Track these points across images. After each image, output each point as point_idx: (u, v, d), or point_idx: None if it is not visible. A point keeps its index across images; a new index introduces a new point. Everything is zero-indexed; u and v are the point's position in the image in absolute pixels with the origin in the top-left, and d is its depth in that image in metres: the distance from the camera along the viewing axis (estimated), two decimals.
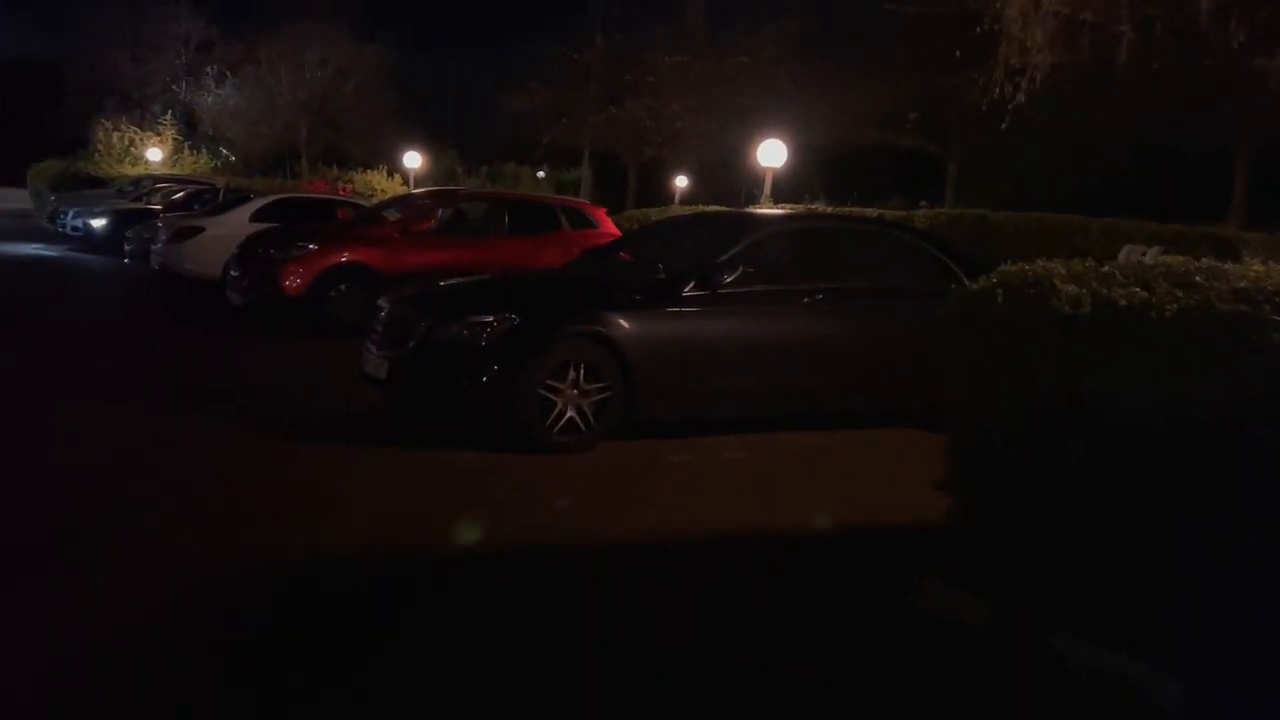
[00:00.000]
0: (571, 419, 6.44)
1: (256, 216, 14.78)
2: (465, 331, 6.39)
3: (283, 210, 14.96)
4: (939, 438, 7.64)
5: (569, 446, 6.44)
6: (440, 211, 11.92)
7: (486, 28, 42.43)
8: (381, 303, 7.05)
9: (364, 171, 26.47)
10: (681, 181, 41.05)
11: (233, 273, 11.85)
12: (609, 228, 13.03)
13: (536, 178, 46.99)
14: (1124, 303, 3.59)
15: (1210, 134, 18.26)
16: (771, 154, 14.35)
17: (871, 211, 14.60)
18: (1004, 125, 17.10)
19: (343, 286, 11.25)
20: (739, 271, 6.80)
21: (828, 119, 22.88)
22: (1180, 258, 4.17)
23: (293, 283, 11.12)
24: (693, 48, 25.82)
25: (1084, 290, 3.78)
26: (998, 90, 18.15)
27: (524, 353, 6.34)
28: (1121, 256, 8.43)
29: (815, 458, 6.84)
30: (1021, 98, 16.77)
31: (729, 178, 42.78)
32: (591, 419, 6.49)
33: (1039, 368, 3.86)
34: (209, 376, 8.86)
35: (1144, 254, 8.31)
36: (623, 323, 6.55)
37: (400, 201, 13.38)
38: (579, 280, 7.25)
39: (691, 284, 6.81)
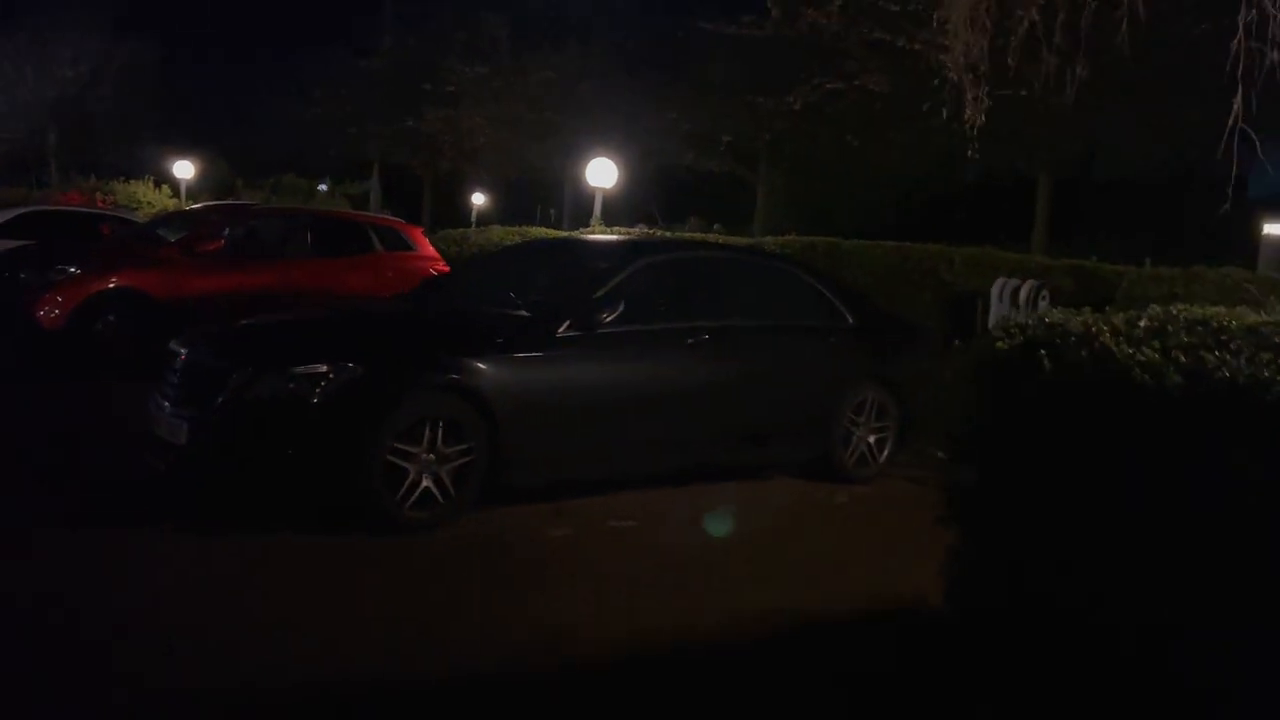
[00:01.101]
0: (427, 490, 5.25)
1: (1, 232, 12.60)
2: (292, 385, 5.08)
3: (34, 225, 12.82)
4: (832, 488, 7.01)
5: (424, 523, 5.24)
6: (230, 229, 10.32)
7: (269, 31, 39.65)
8: (177, 345, 5.60)
9: (127, 181, 23.77)
10: (479, 199, 39.75)
11: None
12: (427, 250, 11.76)
13: (318, 190, 44.42)
14: (1224, 374, 2.80)
15: (1002, 162, 18.72)
16: (601, 174, 13.47)
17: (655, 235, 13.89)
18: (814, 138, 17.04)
19: (111, 317, 9.50)
20: (619, 309, 5.80)
21: (639, 139, 22.26)
22: (1214, 308, 3.50)
23: (49, 313, 9.27)
24: (495, 60, 24.65)
25: (1166, 357, 2.98)
26: (797, 106, 18.11)
27: (369, 411, 5.10)
28: (996, 290, 8.00)
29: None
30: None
31: (532, 196, 41.89)
32: (451, 488, 5.31)
33: (1109, 457, 3.03)
34: None
35: (1017, 289, 7.90)
36: (487, 371, 5.42)
37: (182, 217, 11.63)
38: (426, 319, 6.03)
39: (566, 324, 5.75)
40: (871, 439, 7.05)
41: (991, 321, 7.94)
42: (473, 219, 39.44)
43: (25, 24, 35.96)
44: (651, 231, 11.73)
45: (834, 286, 7.20)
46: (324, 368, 5.08)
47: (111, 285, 9.50)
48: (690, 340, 6.22)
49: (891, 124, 17.49)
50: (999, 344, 3.43)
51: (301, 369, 5.08)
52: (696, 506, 6.16)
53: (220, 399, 5.15)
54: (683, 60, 20.68)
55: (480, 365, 5.40)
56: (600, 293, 5.92)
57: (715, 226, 34.54)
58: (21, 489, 5.68)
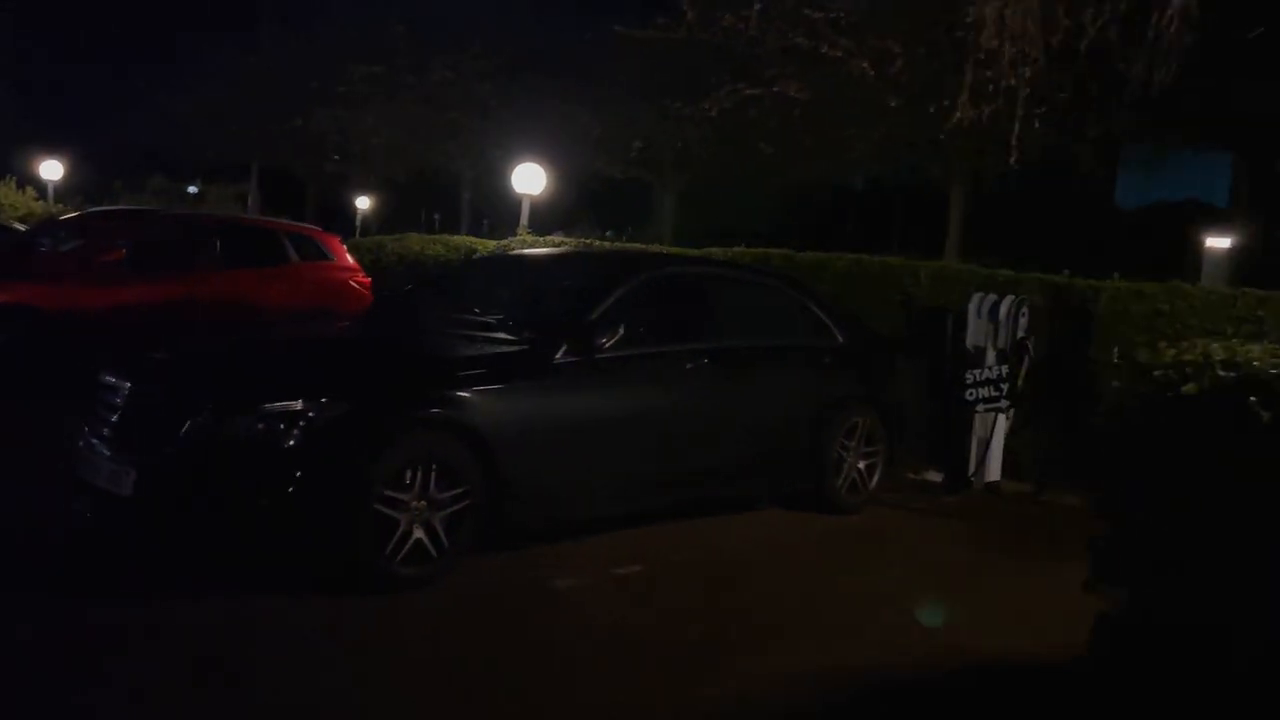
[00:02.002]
0: (419, 541, 4.60)
1: None
2: (262, 424, 4.37)
3: None
4: (826, 519, 6.60)
5: (417, 580, 4.60)
6: (129, 237, 9.32)
7: (132, 22, 37.39)
8: (116, 376, 4.80)
9: None
10: (363, 202, 38.33)
11: None
12: (345, 260, 10.94)
13: (187, 194, 42.16)
14: None
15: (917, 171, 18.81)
16: (528, 179, 12.82)
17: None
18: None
19: (1, 337, 8.45)
20: (619, 331, 5.25)
21: (546, 142, 21.63)
22: None
23: None
24: (390, 59, 23.62)
25: None
26: (714, 113, 17.79)
27: (353, 454, 4.42)
28: (973, 306, 7.73)
29: (730, 566, 5.40)
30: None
31: (420, 199, 40.61)
32: (445, 538, 4.68)
33: None
34: None
35: (996, 304, 7.64)
36: (481, 405, 4.81)
37: (72, 224, 10.50)
38: (402, 346, 5.34)
39: (563, 349, 5.17)
40: (861, 465, 6.68)
41: (970, 339, 7.66)
42: (357, 224, 38.09)
43: None
44: (589, 241, 11.15)
45: (822, 303, 6.81)
46: (299, 404, 4.39)
47: (1, 301, 8.45)
48: (689, 364, 5.73)
49: (807, 131, 17.31)
50: (1187, 387, 3.00)
51: (274, 406, 4.38)
52: (697, 546, 5.68)
53: (177, 442, 4.39)
54: (593, 62, 20.17)
55: (474, 398, 4.79)
56: (596, 313, 5.37)
57: (608, 233, 34.27)
58: None
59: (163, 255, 9.57)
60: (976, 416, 7.59)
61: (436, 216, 46.65)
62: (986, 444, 7.62)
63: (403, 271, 11.98)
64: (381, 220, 38.14)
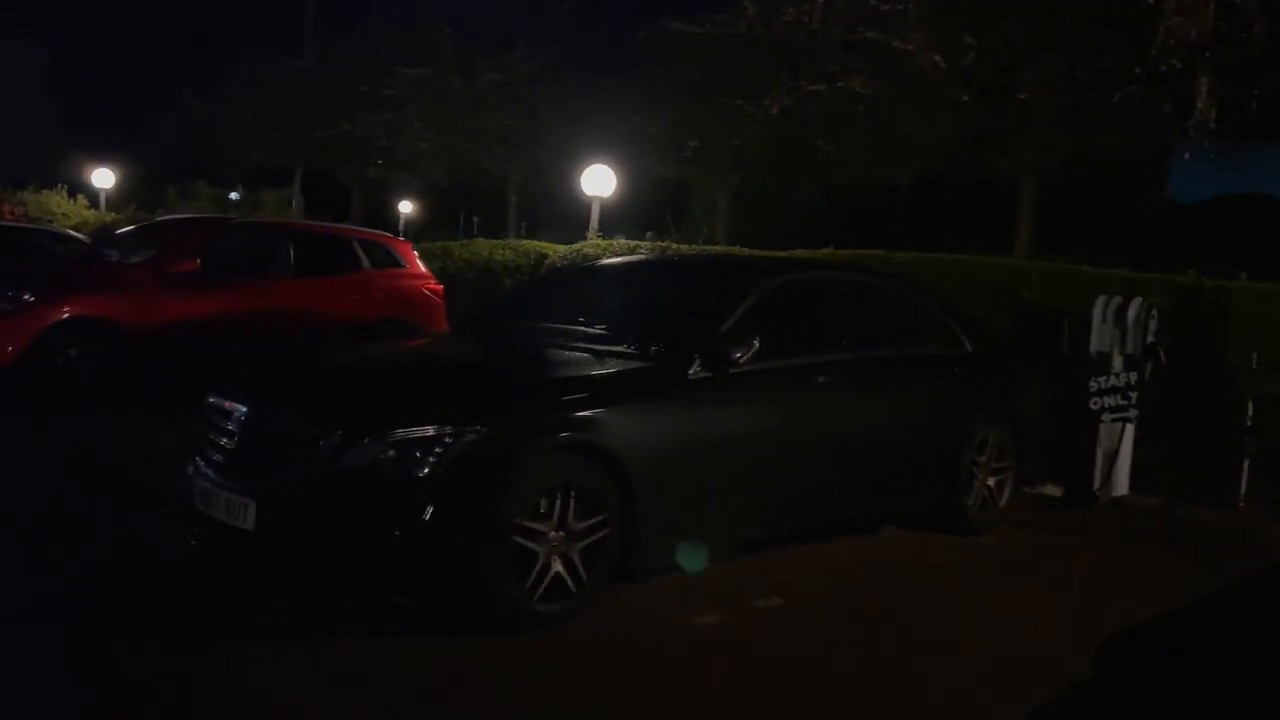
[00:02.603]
0: (558, 575, 4.26)
1: None
2: (393, 452, 4.04)
3: None
4: (962, 541, 6.19)
5: (556, 617, 4.25)
6: (204, 247, 9.06)
7: (177, 30, 37.57)
8: (228, 399, 4.48)
9: (38, 191, 21.85)
10: (406, 207, 38.23)
11: None
12: (417, 267, 10.65)
13: (230, 200, 42.24)
14: None
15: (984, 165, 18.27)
16: (598, 181, 12.49)
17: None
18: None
19: (73, 351, 8.22)
20: (754, 344, 4.88)
21: (597, 143, 21.34)
22: None
23: (1, 348, 7.95)
24: (437, 61, 23.37)
25: None
26: (775, 110, 17.39)
27: (491, 482, 4.08)
28: (1098, 310, 7.30)
29: (873, 597, 5.01)
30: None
31: (460, 203, 40.46)
32: (583, 571, 4.33)
33: None
34: None
35: (1122, 307, 7.21)
36: (618, 426, 4.45)
37: (142, 233, 10.31)
38: (525, 363, 4.99)
39: (697, 364, 4.81)
40: (991, 482, 6.28)
41: (1095, 344, 7.23)
42: (400, 229, 37.96)
43: None
44: (665, 245, 10.78)
45: (949, 308, 6.41)
46: (432, 430, 4.05)
47: (74, 314, 8.21)
48: (822, 378, 5.34)
49: (871, 127, 16.85)
50: None
51: (406, 433, 4.03)
52: (830, 574, 5.30)
53: (301, 472, 4.07)
54: (646, 60, 19.81)
55: (609, 419, 4.43)
56: (728, 324, 5.00)
57: (648, 234, 33.87)
58: (15, 577, 4.51)
59: (235, 264, 9.31)
60: (1102, 427, 7.16)
61: (475, 220, 46.56)
62: (1113, 456, 7.20)
63: (472, 278, 11.70)
64: (422, 225, 38.02)
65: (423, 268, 10.67)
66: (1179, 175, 28.68)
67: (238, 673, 3.73)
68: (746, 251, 10.51)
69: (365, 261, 10.14)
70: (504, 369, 4.80)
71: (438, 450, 4.02)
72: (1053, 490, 7.40)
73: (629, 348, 4.95)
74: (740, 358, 4.83)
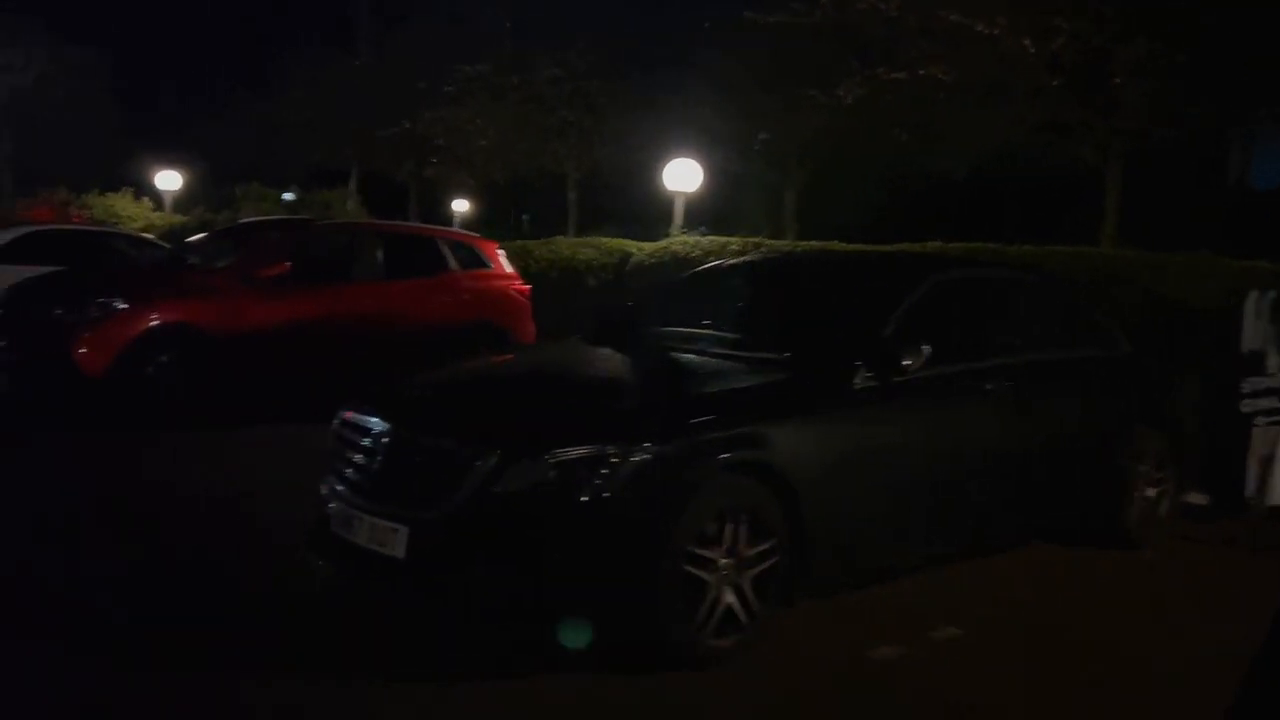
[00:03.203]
0: (729, 607, 3.91)
1: (1, 257, 10.98)
2: (554, 474, 3.69)
3: (35, 248, 11.22)
4: (1123, 557, 5.74)
5: (728, 653, 3.90)
6: (292, 250, 8.81)
7: (229, 31, 37.66)
8: (367, 416, 4.17)
9: (103, 194, 21.89)
10: (461, 205, 38.11)
11: None
12: (503, 267, 10.34)
13: (282, 200, 42.34)
14: None
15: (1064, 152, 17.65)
16: (682, 176, 12.11)
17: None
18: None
19: (163, 358, 8.00)
20: (921, 350, 4.48)
21: (662, 137, 20.98)
22: None
23: (92, 355, 7.73)
24: (497, 58, 23.09)
25: None
26: (849, 100, 16.93)
27: (659, 505, 3.73)
28: (1250, 305, 6.78)
29: (1052, 622, 4.60)
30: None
31: (510, 201, 40.28)
32: (754, 602, 3.98)
33: None
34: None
35: (1276, 300, 6.70)
36: (785, 442, 4.08)
37: (225, 236, 10.10)
38: (671, 374, 4.60)
39: (862, 372, 4.42)
40: (1151, 493, 5.84)
41: (1246, 342, 6.73)
42: (454, 227, 37.80)
43: None
44: (757, 242, 10.35)
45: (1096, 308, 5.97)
46: (597, 450, 3.70)
47: (163, 321, 7.98)
48: (989, 385, 4.93)
49: (950, 115, 16.31)
50: None
51: (569, 452, 3.69)
52: (1000, 597, 4.90)
53: (456, 495, 3.74)
54: (712, 52, 19.37)
55: (775, 435, 4.06)
56: (890, 328, 4.61)
57: (701, 228, 33.38)
58: (137, 602, 4.23)
59: (323, 267, 9.07)
60: (1255, 431, 6.66)
61: (525, 218, 46.35)
62: (1269, 462, 6.70)
63: (556, 277, 11.40)
64: (475, 223, 37.85)
65: (509, 268, 10.36)
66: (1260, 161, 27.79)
67: (382, 713, 3.42)
68: (818, 246, 10.11)
69: (452, 262, 9.85)
70: (660, 381, 4.42)
71: (604, 472, 3.67)
72: (1197, 498, 6.90)
73: (782, 355, 4.57)
74: (910, 365, 4.44)
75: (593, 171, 25.16)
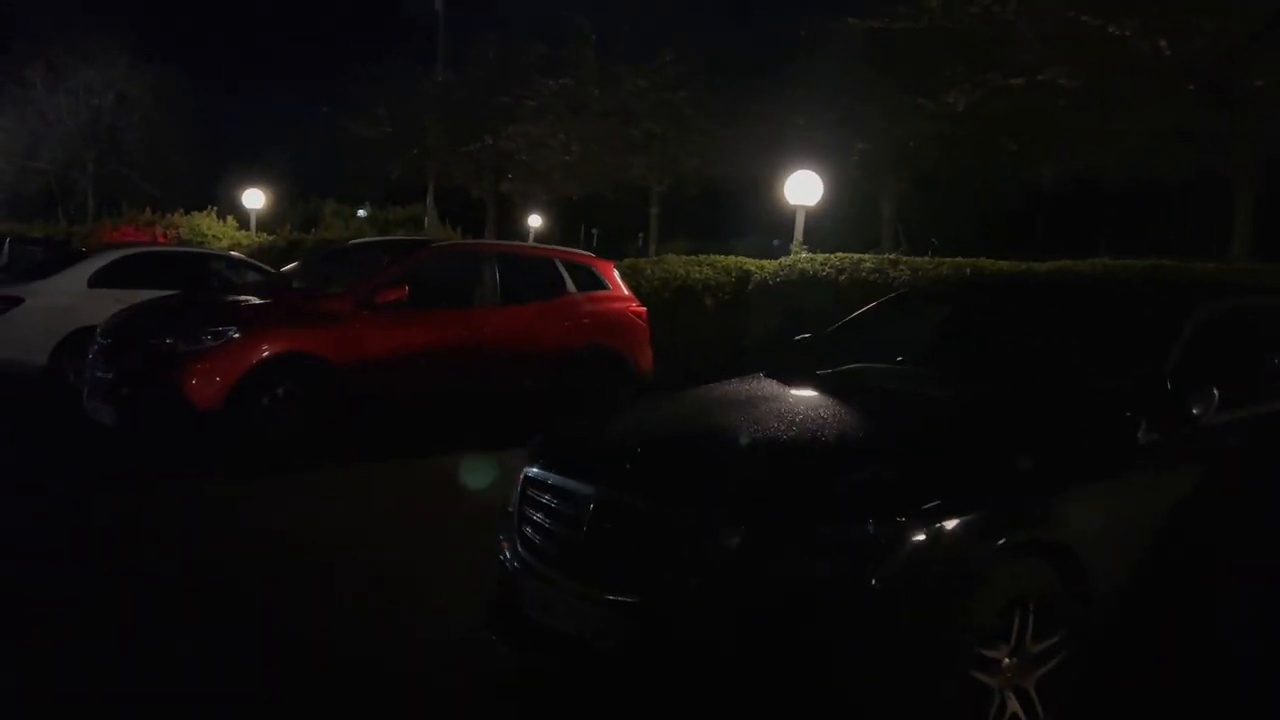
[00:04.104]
0: (1014, 717, 3.22)
1: (98, 280, 10.63)
2: (818, 556, 3.02)
3: (134, 270, 10.84)
4: None
5: None
6: (412, 273, 8.28)
7: (314, 51, 37.90)
8: (553, 473, 3.56)
9: (187, 214, 21.76)
10: (535, 221, 37.82)
11: (99, 373, 7.74)
12: (621, 289, 9.73)
13: (357, 216, 42.36)
14: None
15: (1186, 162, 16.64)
16: (803, 189, 11.44)
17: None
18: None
19: (280, 391, 7.49)
20: (1214, 394, 3.74)
21: (753, 149, 20.34)
22: None
23: (205, 388, 7.25)
24: (579, 71, 22.60)
25: None
26: (960, 107, 16.14)
27: (947, 595, 3.05)
28: None
29: None
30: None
31: (579, 217, 39.94)
32: (1040, 710, 3.28)
33: None
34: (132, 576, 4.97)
35: None
36: (1067, 513, 3.38)
37: (331, 259, 9.61)
38: (926, 425, 3.83)
39: (1144, 423, 3.69)
40: None
41: None
42: (531, 242, 37.47)
43: (43, 51, 34.00)
44: (894, 258, 9.60)
45: None
46: (872, 526, 3.04)
47: (281, 351, 7.48)
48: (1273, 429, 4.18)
49: (1070, 121, 15.44)
50: None
51: (833, 531, 3.03)
52: None
53: (692, 580, 3.10)
54: (809, 60, 18.70)
55: (1060, 505, 3.37)
56: (1170, 365, 3.88)
57: (775, 242, 32.55)
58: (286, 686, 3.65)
59: (440, 291, 8.53)
60: None
61: (595, 233, 45.95)
62: None
63: (669, 298, 10.77)
64: (547, 239, 37.51)
65: (626, 289, 9.75)
66: None
67: None
68: (926, 261, 9.33)
69: (570, 284, 9.26)
70: (911, 435, 3.70)
71: (876, 553, 3.01)
72: None
73: (1043, 403, 3.85)
74: (1200, 413, 3.71)
75: (675, 185, 24.63)
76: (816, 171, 19.80)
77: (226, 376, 7.28)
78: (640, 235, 38.40)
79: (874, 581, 2.98)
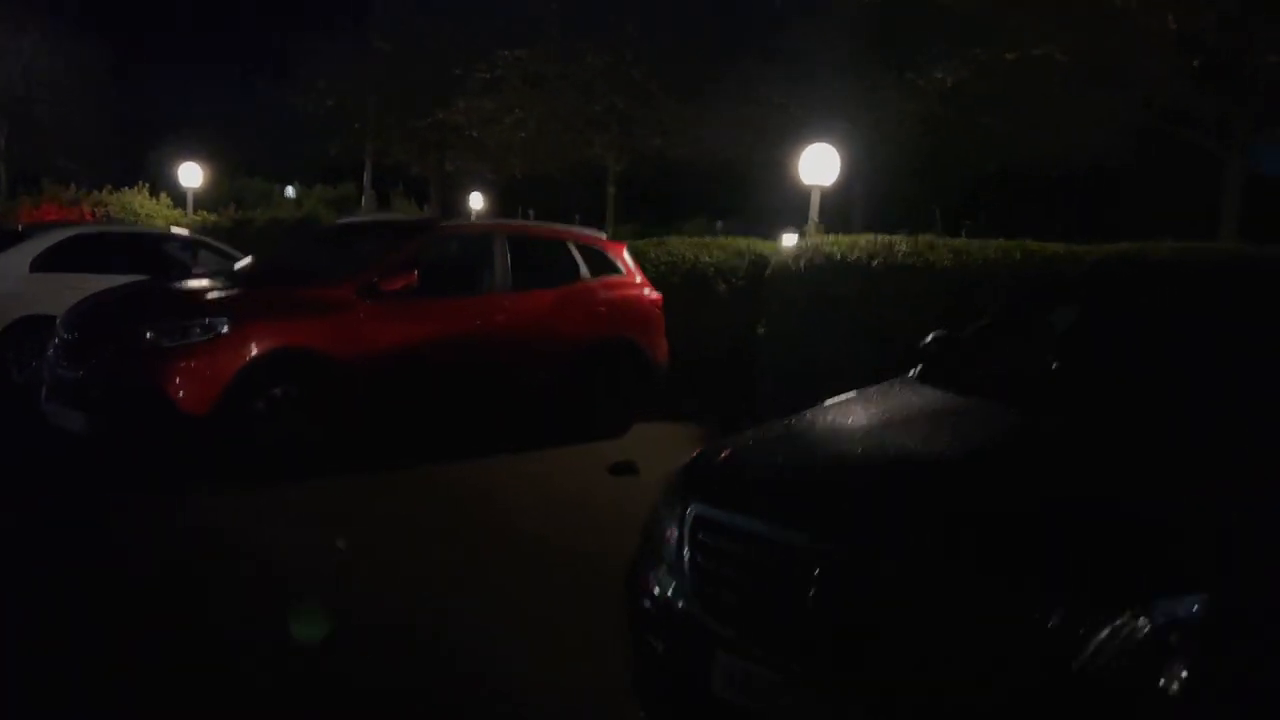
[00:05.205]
0: None
1: (41, 264, 9.52)
2: (1150, 638, 2.29)
3: (82, 252, 9.75)
4: None
5: None
6: (413, 256, 7.37)
7: (235, 21, 36.13)
8: (743, 519, 2.79)
9: (117, 190, 20.25)
10: (477, 200, 36.62)
11: (63, 372, 6.68)
12: (634, 273, 8.93)
13: (283, 196, 40.64)
14: None
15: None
16: (819, 167, 10.72)
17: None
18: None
19: (278, 391, 6.56)
20: None
21: (714, 132, 19.61)
22: None
23: (192, 389, 6.28)
24: (538, 43, 21.56)
25: None
26: (949, 83, 15.63)
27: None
28: None
29: None
30: None
31: (522, 196, 38.86)
32: None
33: None
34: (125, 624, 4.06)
35: None
36: None
37: (326, 242, 8.64)
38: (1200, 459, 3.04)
39: None
40: None
41: None
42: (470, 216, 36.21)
43: None
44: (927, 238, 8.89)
45: None
46: (1201, 602, 2.31)
47: (278, 345, 6.54)
48: None
49: (1062, 99, 14.99)
50: None
51: (1173, 607, 2.31)
52: None
53: (1003, 673, 2.33)
54: (784, 37, 18.03)
55: None
56: None
57: (719, 224, 31.94)
58: None
59: (449, 277, 7.65)
60: None
61: (530, 214, 44.86)
62: None
63: (678, 283, 9.97)
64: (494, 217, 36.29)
65: (639, 274, 8.95)
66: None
67: None
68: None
69: (584, 269, 8.43)
70: (1194, 478, 2.93)
71: (1211, 634, 2.29)
72: None
73: None
74: None
75: (633, 165, 23.82)
76: (793, 151, 19.09)
77: (217, 376, 6.33)
78: (577, 217, 37.51)
79: (1195, 664, 2.25)
